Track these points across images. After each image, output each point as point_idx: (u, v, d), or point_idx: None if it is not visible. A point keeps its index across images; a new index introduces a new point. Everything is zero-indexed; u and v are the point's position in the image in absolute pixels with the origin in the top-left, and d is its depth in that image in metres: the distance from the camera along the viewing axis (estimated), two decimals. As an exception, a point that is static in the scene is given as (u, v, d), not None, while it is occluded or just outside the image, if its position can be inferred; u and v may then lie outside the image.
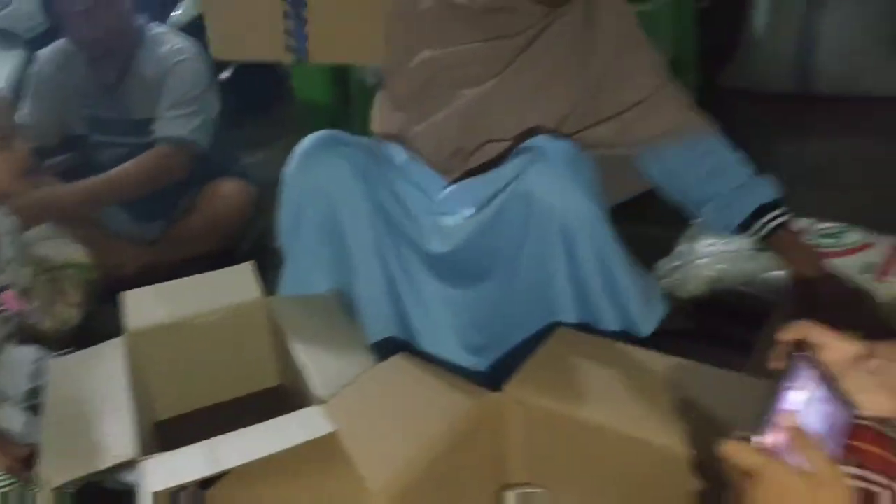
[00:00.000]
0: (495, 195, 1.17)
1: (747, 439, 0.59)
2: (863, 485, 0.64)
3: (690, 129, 1.25)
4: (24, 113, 1.94)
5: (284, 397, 1.26)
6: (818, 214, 1.69)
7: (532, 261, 1.16)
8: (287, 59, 1.09)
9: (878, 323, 1.21)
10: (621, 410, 0.95)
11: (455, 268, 1.23)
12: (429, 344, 1.25)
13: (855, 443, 0.65)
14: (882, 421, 0.68)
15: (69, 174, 1.97)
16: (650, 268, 1.71)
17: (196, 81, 1.92)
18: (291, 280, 1.28)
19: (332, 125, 1.31)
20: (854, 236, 1.53)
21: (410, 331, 1.26)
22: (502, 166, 1.20)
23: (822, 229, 1.57)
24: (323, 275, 1.26)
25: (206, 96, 1.94)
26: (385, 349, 1.18)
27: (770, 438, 0.59)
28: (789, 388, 0.63)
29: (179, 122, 1.89)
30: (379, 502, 0.85)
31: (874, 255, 1.47)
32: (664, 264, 1.68)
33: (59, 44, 1.98)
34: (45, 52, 2.00)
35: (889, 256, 1.47)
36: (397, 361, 1.08)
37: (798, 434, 0.58)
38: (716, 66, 2.94)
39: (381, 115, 1.39)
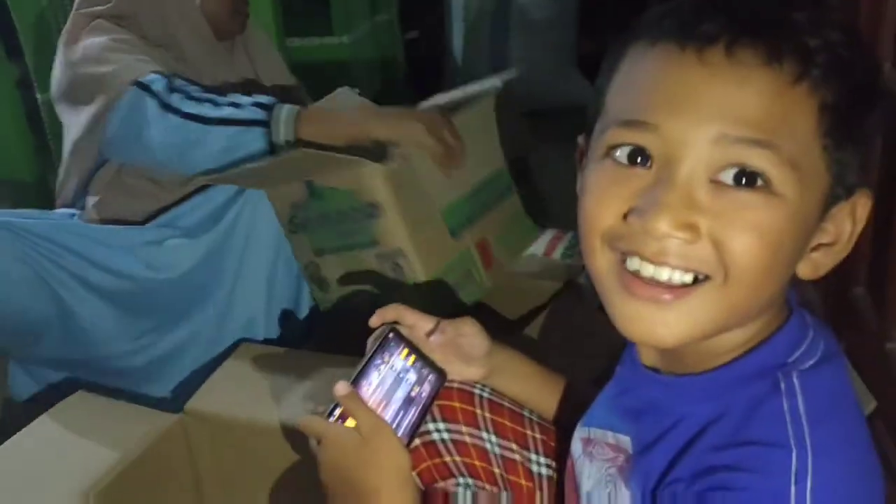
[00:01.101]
0: (226, 205, 1.22)
1: (323, 412, 0.69)
2: (447, 435, 0.77)
3: None
4: None
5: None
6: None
7: (254, 272, 1.22)
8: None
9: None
10: (301, 410, 1.03)
11: (169, 307, 1.25)
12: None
13: (443, 402, 0.78)
14: (470, 384, 0.81)
15: None
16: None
17: None
18: None
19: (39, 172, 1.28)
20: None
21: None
22: None
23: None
24: None
25: None
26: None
27: (339, 409, 0.69)
28: (379, 364, 0.74)
29: None
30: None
31: (539, 245, 1.71)
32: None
33: None
34: None
35: (550, 244, 1.71)
36: (74, 401, 1.08)
37: (346, 399, 0.69)
38: (428, 90, 3.17)
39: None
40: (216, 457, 1.07)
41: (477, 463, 0.78)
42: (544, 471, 0.79)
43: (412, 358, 0.76)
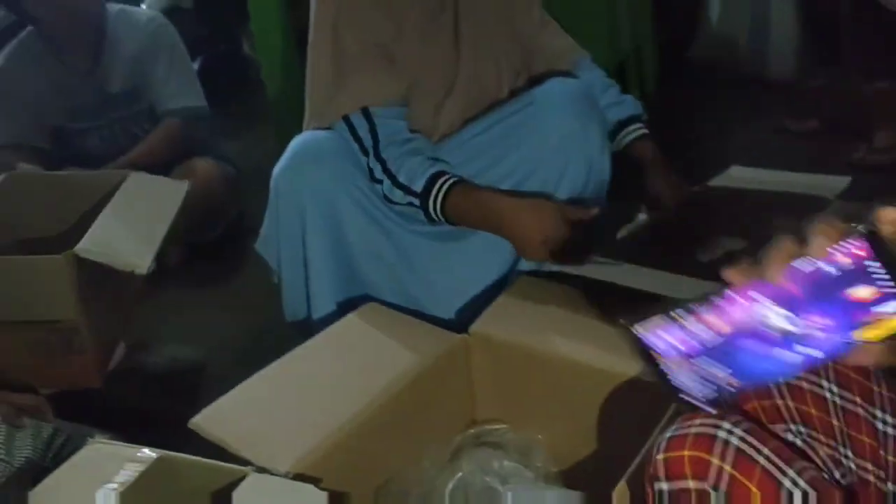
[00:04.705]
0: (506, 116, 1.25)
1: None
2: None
3: (577, 53, 1.40)
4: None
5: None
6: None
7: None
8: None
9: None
10: (581, 344, 1.02)
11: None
12: (427, 306, 1.29)
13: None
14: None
15: (53, 166, 1.92)
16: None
17: (180, 43, 1.94)
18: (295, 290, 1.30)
19: (302, 112, 1.35)
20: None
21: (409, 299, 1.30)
22: (507, 104, 1.26)
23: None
24: (325, 275, 1.26)
25: (188, 58, 1.96)
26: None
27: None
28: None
29: (184, 89, 1.89)
30: (341, 433, 0.92)
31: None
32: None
33: (21, 39, 1.93)
34: (5, 52, 1.94)
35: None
36: (367, 310, 1.15)
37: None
38: (675, 52, 3.04)
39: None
40: (495, 379, 1.09)
41: (813, 411, 0.72)
42: (890, 430, 0.72)
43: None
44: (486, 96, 1.30)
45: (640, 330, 0.56)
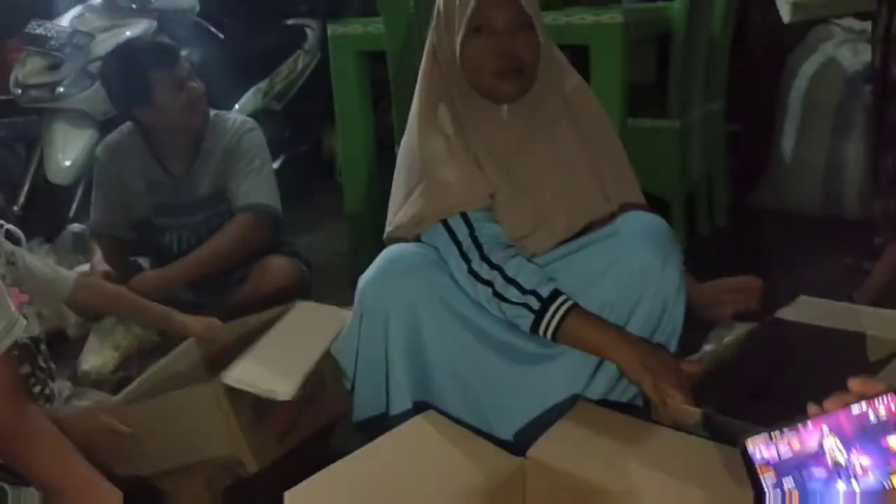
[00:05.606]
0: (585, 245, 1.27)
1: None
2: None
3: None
4: (93, 208, 2.03)
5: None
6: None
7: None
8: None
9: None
10: (635, 478, 1.00)
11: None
12: (495, 426, 1.28)
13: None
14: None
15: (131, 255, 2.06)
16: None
17: (264, 149, 2.00)
18: (368, 397, 1.31)
19: (376, 213, 1.38)
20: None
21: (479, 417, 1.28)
22: (592, 233, 1.28)
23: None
24: (403, 388, 1.26)
25: (271, 165, 2.02)
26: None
27: None
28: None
29: (259, 189, 1.93)
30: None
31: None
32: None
33: (122, 133, 2.01)
34: (107, 142, 2.03)
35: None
36: (426, 419, 1.15)
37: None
38: (745, 187, 3.06)
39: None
40: (549, 508, 1.07)
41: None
42: None
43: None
44: (568, 229, 1.32)
45: (749, 445, 0.75)
